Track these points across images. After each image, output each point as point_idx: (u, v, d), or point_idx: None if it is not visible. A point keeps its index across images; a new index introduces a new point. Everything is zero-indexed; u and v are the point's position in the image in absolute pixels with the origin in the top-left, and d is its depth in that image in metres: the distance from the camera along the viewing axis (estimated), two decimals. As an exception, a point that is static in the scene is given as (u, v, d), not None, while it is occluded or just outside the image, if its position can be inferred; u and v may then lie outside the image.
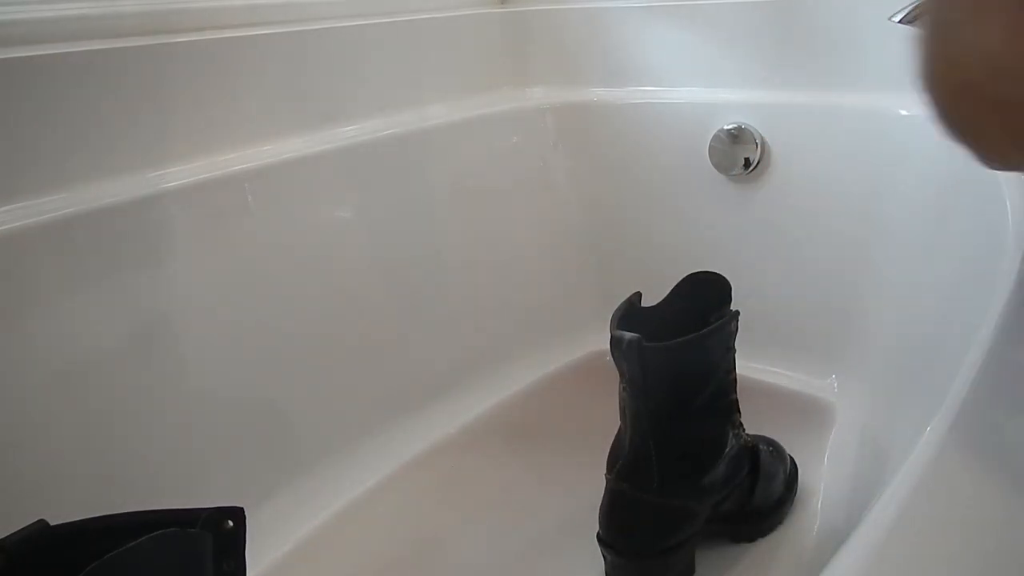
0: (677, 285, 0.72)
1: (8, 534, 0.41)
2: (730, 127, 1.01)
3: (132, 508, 0.44)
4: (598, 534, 0.69)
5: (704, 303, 0.71)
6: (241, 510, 0.46)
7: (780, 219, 1.00)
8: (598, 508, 0.69)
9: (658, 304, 0.71)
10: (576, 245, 1.15)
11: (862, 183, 0.93)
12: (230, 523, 0.45)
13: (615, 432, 0.71)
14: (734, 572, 0.72)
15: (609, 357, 0.67)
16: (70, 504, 0.46)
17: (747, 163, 1.01)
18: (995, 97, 0.26)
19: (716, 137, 1.03)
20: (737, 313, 0.68)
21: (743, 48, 1.02)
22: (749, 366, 0.84)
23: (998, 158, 0.31)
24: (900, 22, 0.72)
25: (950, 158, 0.86)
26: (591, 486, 0.69)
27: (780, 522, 0.76)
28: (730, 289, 0.71)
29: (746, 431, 0.73)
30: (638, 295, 0.70)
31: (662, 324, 0.68)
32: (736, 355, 0.70)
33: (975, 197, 0.73)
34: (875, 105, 0.92)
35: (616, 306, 0.68)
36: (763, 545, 0.74)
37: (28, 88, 0.70)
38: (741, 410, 0.72)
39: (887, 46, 0.81)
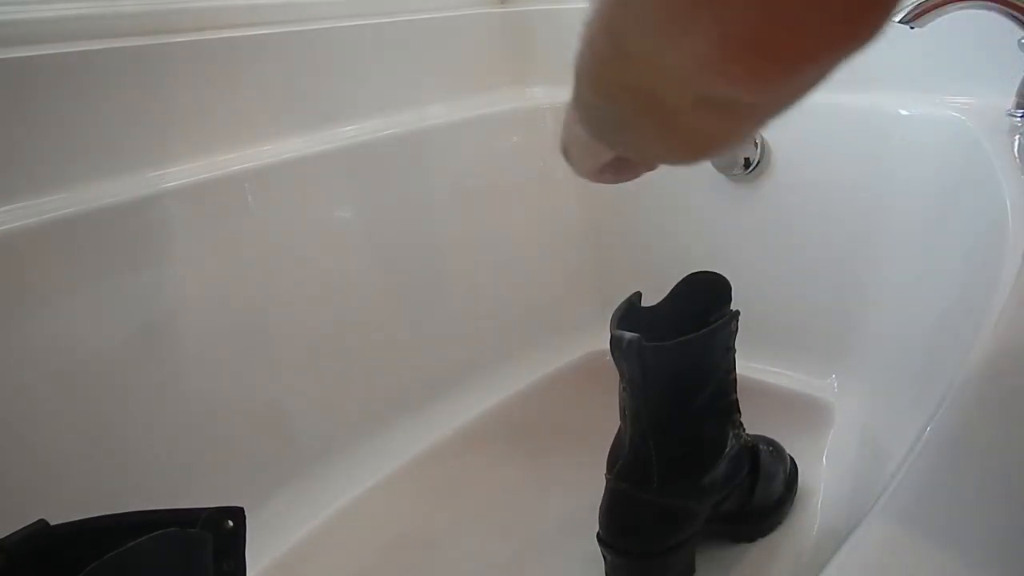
0: (677, 285, 0.72)
1: (8, 534, 0.41)
2: (730, 127, 1.01)
3: (132, 508, 0.44)
4: (598, 534, 0.69)
5: (704, 303, 0.71)
6: (241, 510, 0.46)
7: (780, 219, 1.00)
8: (598, 508, 0.69)
9: (658, 304, 0.71)
10: (576, 245, 1.15)
11: (862, 183, 0.93)
12: (230, 523, 0.45)
13: (615, 432, 0.71)
14: (734, 572, 0.72)
15: (609, 357, 0.67)
16: (70, 504, 0.46)
17: (747, 163, 1.01)
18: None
19: (716, 137, 1.02)
20: (737, 313, 0.68)
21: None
22: (749, 366, 0.84)
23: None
24: (900, 22, 0.72)
25: (950, 158, 0.86)
26: (591, 486, 0.69)
27: (780, 522, 0.76)
28: (730, 289, 0.71)
29: (746, 431, 0.73)
30: (638, 295, 0.70)
31: (662, 324, 0.68)
32: (736, 355, 0.70)
33: (975, 197, 0.73)
34: (875, 105, 0.92)
35: (616, 306, 0.68)
36: (763, 545, 0.74)
37: (28, 88, 0.70)
38: (741, 410, 0.72)
39: (887, 46, 0.81)
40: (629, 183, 0.55)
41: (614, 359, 0.66)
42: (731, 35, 0.23)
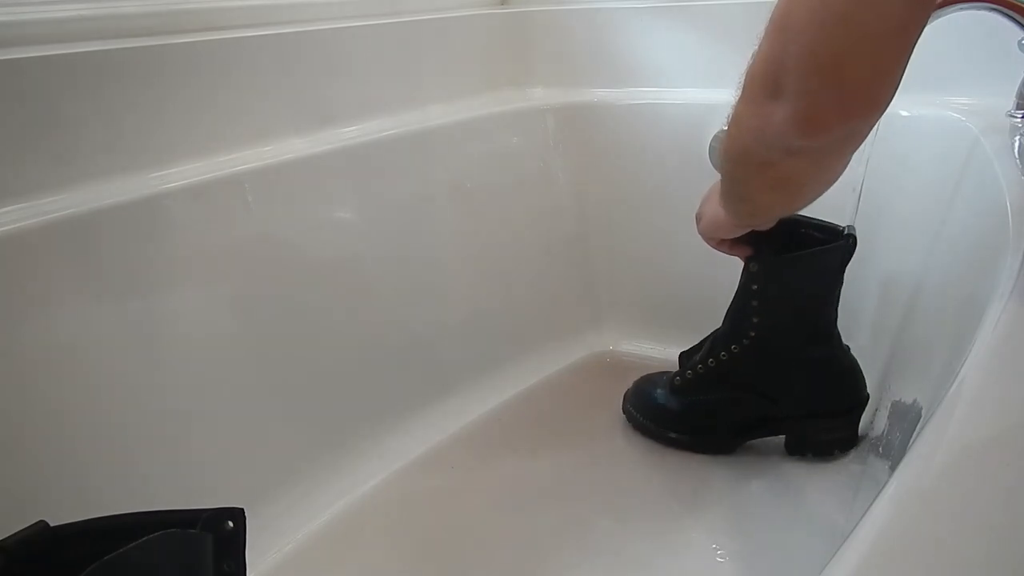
0: None
1: (8, 534, 0.41)
2: (730, 127, 1.01)
3: (132, 508, 0.44)
4: None
5: None
6: (241, 510, 0.46)
7: (780, 219, 1.00)
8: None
9: None
10: (576, 245, 1.15)
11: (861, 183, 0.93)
12: (230, 523, 0.45)
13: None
14: (737, 572, 0.72)
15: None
16: (70, 504, 0.46)
17: (747, 163, 1.01)
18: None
19: (716, 137, 1.02)
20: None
21: (743, 48, 1.02)
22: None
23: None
24: None
25: (950, 158, 0.86)
26: (590, 486, 0.70)
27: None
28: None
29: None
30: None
31: None
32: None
33: (975, 197, 0.73)
34: (875, 105, 0.91)
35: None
36: (764, 543, 0.75)
37: (28, 88, 0.70)
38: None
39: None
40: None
41: None
42: (799, 110, 0.47)
